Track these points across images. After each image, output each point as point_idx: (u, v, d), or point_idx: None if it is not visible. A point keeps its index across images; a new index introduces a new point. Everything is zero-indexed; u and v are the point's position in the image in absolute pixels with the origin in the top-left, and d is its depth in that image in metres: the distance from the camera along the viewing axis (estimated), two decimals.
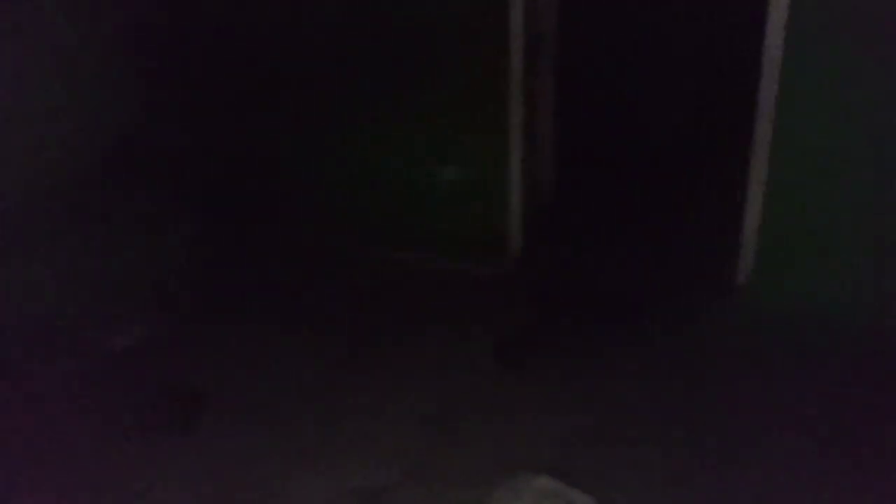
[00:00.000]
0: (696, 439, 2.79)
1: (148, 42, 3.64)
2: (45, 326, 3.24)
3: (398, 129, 3.91)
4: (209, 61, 4.01)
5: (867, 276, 3.23)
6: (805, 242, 3.31)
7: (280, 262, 4.24)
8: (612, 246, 4.02)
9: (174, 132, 3.76)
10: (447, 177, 3.85)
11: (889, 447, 2.71)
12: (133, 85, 3.60)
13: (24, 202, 3.18)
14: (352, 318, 3.70)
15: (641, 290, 3.73)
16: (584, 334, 3.45)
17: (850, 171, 3.15)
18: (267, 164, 4.28)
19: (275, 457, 2.79)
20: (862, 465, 2.63)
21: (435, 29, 3.68)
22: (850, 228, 3.21)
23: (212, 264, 4.03)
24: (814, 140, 3.18)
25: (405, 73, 3.79)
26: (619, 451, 2.75)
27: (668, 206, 4.31)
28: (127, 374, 3.30)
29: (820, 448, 2.72)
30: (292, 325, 3.64)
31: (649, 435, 2.82)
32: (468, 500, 2.51)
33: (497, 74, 3.63)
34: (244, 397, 3.14)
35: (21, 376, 3.15)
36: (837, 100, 3.09)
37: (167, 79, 3.77)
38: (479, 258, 3.91)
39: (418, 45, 3.73)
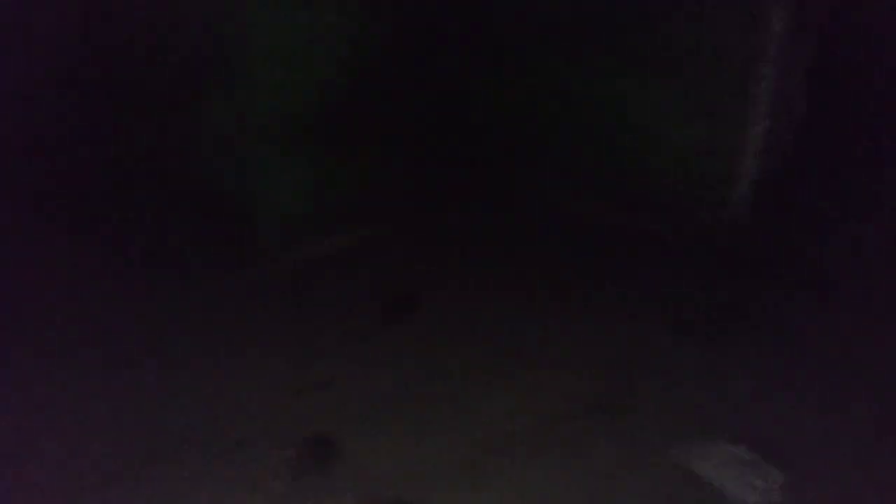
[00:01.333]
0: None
1: None
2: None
3: (639, 79, 3.86)
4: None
5: None
6: None
7: (493, 204, 4.38)
8: (834, 233, 3.78)
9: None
10: (684, 136, 3.75)
11: None
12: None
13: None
14: (560, 263, 3.78)
15: (853, 282, 3.48)
16: (783, 312, 3.30)
17: None
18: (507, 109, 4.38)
19: (465, 368, 2.95)
20: None
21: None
22: None
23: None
24: None
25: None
26: (819, 430, 2.60)
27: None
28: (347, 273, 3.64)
29: None
30: (492, 267, 3.77)
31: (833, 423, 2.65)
32: (648, 450, 2.47)
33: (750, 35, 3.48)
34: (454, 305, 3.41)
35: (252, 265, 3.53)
36: None
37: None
38: (698, 221, 3.81)
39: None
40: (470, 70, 4.38)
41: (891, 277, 3.44)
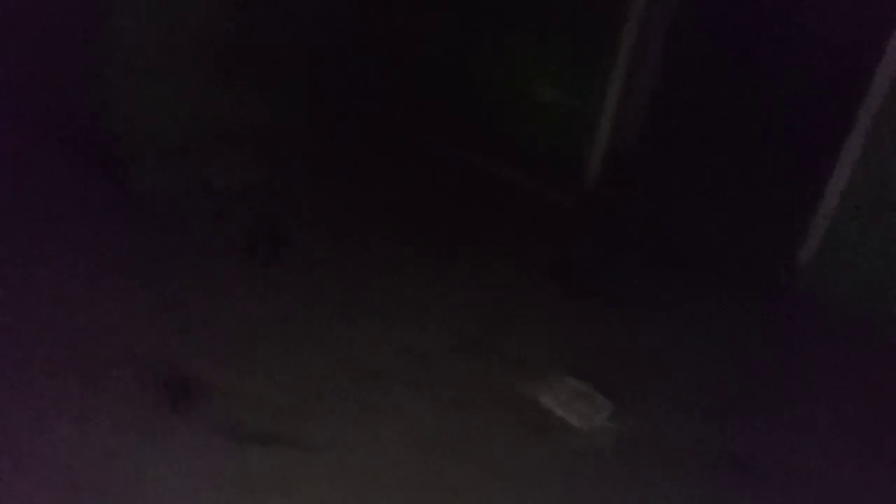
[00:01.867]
0: (720, 383, 3.06)
1: None
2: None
3: (511, 39, 4.08)
4: None
5: None
6: (870, 237, 3.44)
7: (373, 146, 4.52)
8: (686, 198, 4.19)
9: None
10: (545, 94, 3.99)
11: None
12: None
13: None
14: (429, 210, 4.01)
15: (706, 245, 3.92)
16: (639, 272, 3.72)
17: None
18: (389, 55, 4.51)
19: (339, 305, 3.16)
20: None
21: None
22: None
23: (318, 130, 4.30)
24: None
25: None
26: (645, 373, 3.05)
27: (751, 174, 4.42)
28: (229, 211, 3.68)
29: (836, 417, 2.97)
30: (371, 200, 3.98)
31: (679, 368, 3.11)
32: (502, 379, 2.83)
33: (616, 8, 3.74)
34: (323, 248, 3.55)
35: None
36: None
37: None
38: (557, 182, 4.12)
39: None
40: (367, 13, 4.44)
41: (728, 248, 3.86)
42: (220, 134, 3.79)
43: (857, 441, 2.85)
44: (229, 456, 2.39)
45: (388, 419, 2.64)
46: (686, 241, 3.94)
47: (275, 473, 2.37)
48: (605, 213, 4.07)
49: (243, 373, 2.74)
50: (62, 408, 2.48)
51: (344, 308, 3.16)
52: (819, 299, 3.54)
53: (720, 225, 4.02)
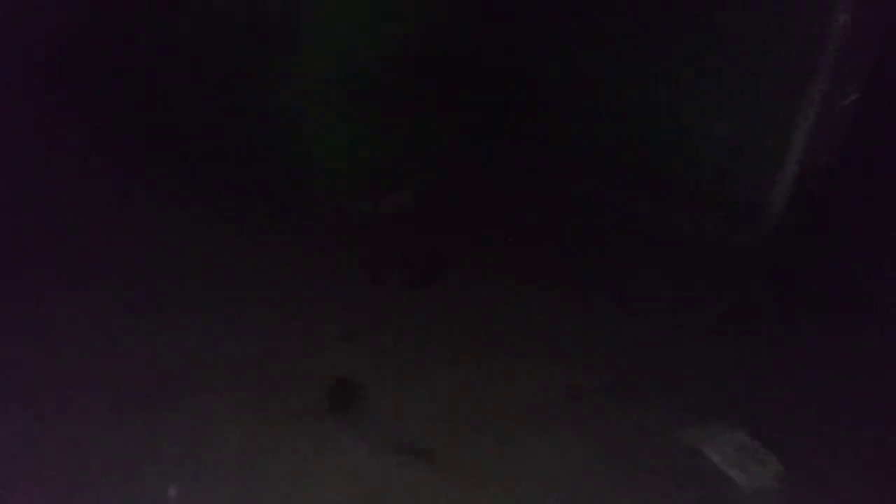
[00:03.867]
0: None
1: None
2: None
3: (691, 72, 3.97)
4: None
5: None
6: None
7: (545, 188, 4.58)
8: (869, 246, 3.96)
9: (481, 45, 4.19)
10: (723, 128, 3.88)
11: None
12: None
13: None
14: (599, 253, 4.01)
15: (887, 293, 3.67)
16: (804, 322, 3.53)
17: None
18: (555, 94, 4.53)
19: (503, 334, 3.30)
20: None
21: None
22: None
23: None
24: None
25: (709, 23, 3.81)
26: (821, 433, 2.88)
27: None
28: (387, 235, 3.96)
29: None
30: (534, 246, 4.05)
31: (860, 428, 2.92)
32: (664, 430, 2.83)
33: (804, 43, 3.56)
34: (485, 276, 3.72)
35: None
36: None
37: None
38: (734, 226, 3.98)
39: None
40: (527, 54, 4.51)
41: None
42: (387, 158, 4.07)
43: None
44: (383, 466, 2.60)
45: (542, 455, 2.71)
46: (867, 288, 3.70)
47: (418, 487, 2.53)
48: (786, 257, 3.89)
49: (404, 387, 2.94)
50: (240, 406, 2.81)
51: (508, 338, 3.29)
52: None
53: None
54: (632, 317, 3.49)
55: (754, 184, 3.84)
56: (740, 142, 3.83)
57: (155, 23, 4.07)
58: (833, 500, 2.60)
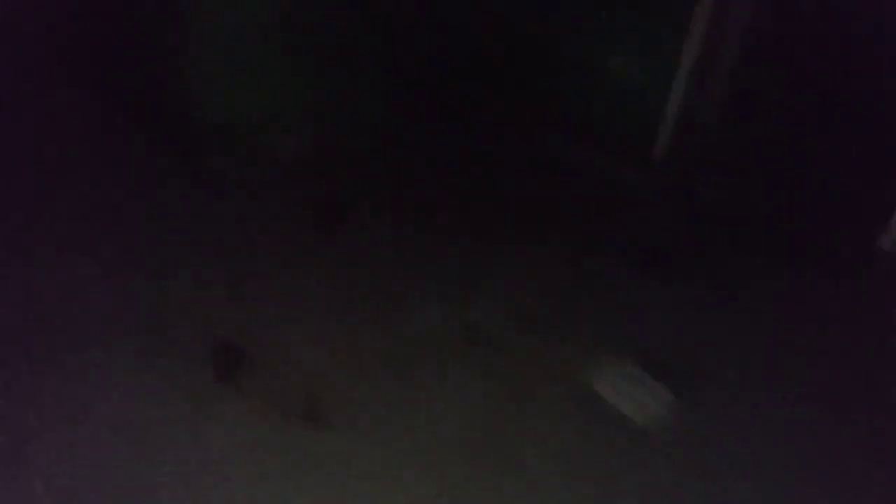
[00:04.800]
0: (795, 372, 2.91)
1: None
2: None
3: (578, 12, 3.90)
4: None
5: None
6: None
7: (442, 121, 4.41)
8: (763, 178, 3.97)
9: None
10: (614, 68, 3.84)
11: None
12: None
13: None
14: (496, 186, 3.92)
15: (780, 226, 3.74)
16: (712, 252, 3.56)
17: None
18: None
19: (400, 279, 3.18)
20: None
21: None
22: None
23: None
24: None
25: None
26: (714, 361, 2.93)
27: (833, 156, 4.20)
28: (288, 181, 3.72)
29: None
30: (438, 174, 3.94)
31: (752, 355, 2.98)
32: (560, 359, 2.80)
33: None
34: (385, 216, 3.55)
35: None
36: None
37: None
38: (627, 158, 3.95)
39: None
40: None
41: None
42: (288, 107, 3.80)
43: None
44: (275, 429, 2.47)
45: (441, 396, 2.65)
46: (761, 221, 3.75)
47: (319, 448, 2.44)
48: (677, 189, 3.91)
49: (294, 344, 2.80)
50: (117, 371, 2.63)
51: (404, 281, 3.16)
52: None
53: (798, 205, 3.80)
54: (532, 253, 3.43)
55: (643, 117, 3.83)
56: (631, 75, 3.78)
57: None
58: (725, 424, 2.65)
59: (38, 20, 3.83)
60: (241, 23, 3.48)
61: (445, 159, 4.10)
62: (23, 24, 3.80)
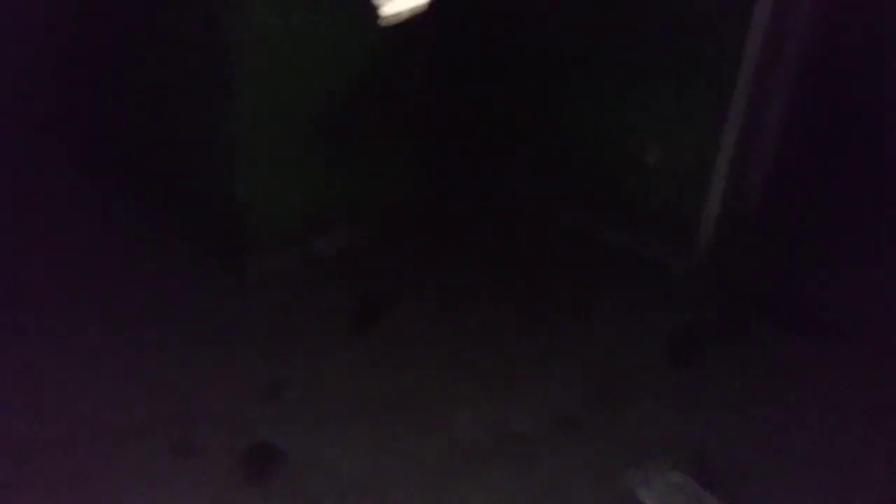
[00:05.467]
0: (862, 470, 2.72)
1: None
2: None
3: (611, 99, 3.89)
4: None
5: None
6: None
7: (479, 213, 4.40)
8: (812, 261, 3.88)
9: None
10: (651, 156, 3.80)
11: None
12: None
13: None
14: (535, 281, 3.83)
15: (831, 310, 3.58)
16: (760, 342, 3.41)
17: None
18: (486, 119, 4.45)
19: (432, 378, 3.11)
20: None
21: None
22: None
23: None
24: None
25: (630, 38, 3.73)
26: (773, 465, 2.75)
27: (880, 234, 4.07)
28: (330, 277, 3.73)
29: None
30: (480, 271, 3.86)
31: (807, 454, 2.80)
32: (601, 464, 2.68)
33: (727, 59, 3.46)
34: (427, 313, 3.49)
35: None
36: None
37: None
38: (670, 248, 3.86)
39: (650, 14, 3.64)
40: (473, 76, 4.41)
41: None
42: (326, 206, 3.86)
43: None
44: None
45: (479, 499, 2.52)
46: (810, 307, 3.60)
47: None
48: (723, 279, 3.79)
49: (325, 446, 2.74)
50: (146, 470, 2.62)
51: (438, 384, 3.10)
52: None
53: (847, 290, 3.67)
54: (571, 350, 3.33)
55: (684, 205, 3.75)
56: (668, 163, 3.74)
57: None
58: None
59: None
60: (284, 123, 3.55)
61: (481, 249, 4.05)
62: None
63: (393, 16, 3.60)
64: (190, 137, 3.77)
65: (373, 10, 3.50)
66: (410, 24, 3.77)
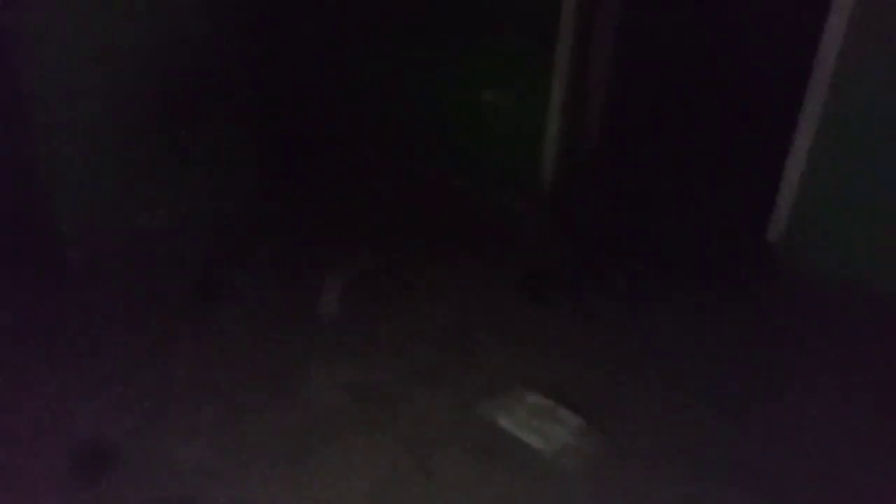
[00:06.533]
0: (705, 384, 2.80)
1: None
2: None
3: (448, 52, 3.95)
4: None
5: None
6: (838, 209, 3.22)
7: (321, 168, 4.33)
8: (648, 194, 4.01)
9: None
10: (489, 103, 3.85)
11: None
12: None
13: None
14: (386, 232, 3.78)
15: (672, 238, 3.71)
16: (608, 275, 3.47)
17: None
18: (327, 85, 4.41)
19: (279, 348, 2.92)
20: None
21: None
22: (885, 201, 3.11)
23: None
24: (862, 112, 3.05)
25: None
26: (621, 383, 2.79)
27: (709, 161, 4.31)
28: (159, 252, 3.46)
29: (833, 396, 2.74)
30: (317, 223, 3.77)
31: (658, 373, 2.85)
32: (460, 405, 2.62)
33: (550, 10, 3.58)
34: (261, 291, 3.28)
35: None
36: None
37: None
38: (513, 191, 3.93)
39: None
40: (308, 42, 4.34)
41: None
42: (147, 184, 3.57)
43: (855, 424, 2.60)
44: None
45: (341, 473, 2.37)
46: (651, 237, 3.72)
47: None
48: (567, 216, 3.85)
49: (166, 440, 2.48)
50: None
51: (286, 353, 2.91)
52: (791, 276, 3.32)
53: (686, 216, 3.82)
54: (425, 298, 3.26)
55: (524, 145, 3.82)
56: (506, 109, 3.80)
57: None
58: (636, 447, 2.48)
59: None
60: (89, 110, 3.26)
61: (326, 217, 3.92)
62: None
63: None
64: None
65: None
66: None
